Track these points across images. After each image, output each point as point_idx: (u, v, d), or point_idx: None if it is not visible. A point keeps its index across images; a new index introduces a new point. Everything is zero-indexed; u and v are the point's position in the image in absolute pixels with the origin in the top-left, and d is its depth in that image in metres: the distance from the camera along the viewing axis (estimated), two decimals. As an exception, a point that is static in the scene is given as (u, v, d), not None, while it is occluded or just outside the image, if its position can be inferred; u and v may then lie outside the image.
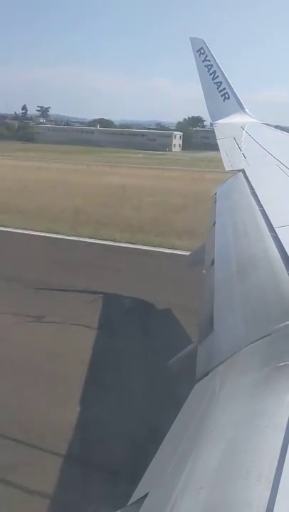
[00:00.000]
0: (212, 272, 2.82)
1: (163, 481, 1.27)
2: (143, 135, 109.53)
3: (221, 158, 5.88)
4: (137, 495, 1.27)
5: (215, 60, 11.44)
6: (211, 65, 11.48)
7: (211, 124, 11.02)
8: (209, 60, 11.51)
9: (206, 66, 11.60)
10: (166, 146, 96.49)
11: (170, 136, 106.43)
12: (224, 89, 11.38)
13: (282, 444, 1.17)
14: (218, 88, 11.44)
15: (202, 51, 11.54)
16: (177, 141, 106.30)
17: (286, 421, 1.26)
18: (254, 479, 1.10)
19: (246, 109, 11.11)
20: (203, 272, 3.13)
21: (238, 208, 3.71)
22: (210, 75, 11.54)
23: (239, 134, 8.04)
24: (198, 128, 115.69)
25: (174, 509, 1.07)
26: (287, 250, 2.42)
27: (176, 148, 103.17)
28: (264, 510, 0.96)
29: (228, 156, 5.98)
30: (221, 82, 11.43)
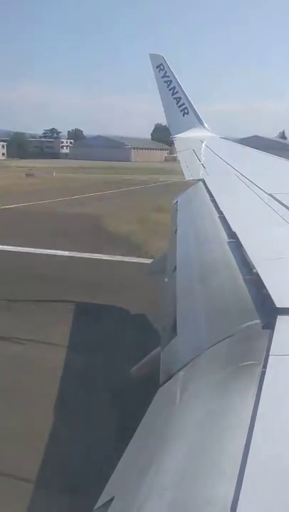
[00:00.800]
0: (174, 278, 2.83)
1: (128, 485, 1.23)
2: None
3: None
4: (102, 499, 1.23)
5: (174, 76, 11.72)
6: (171, 81, 11.75)
7: (171, 138, 11.24)
8: (168, 76, 11.78)
9: (165, 82, 11.86)
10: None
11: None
12: (183, 104, 11.66)
13: (245, 442, 1.16)
14: (177, 103, 11.71)
15: (161, 67, 11.80)
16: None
17: (249, 419, 1.26)
18: (217, 478, 1.10)
19: (205, 124, 11.43)
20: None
21: (199, 216, 3.77)
22: (169, 90, 11.81)
23: (198, 146, 8.25)
24: (47, 139, 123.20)
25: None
26: (246, 254, 2.46)
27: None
28: (228, 508, 0.95)
29: (188, 167, 6.12)
30: (180, 98, 11.72)
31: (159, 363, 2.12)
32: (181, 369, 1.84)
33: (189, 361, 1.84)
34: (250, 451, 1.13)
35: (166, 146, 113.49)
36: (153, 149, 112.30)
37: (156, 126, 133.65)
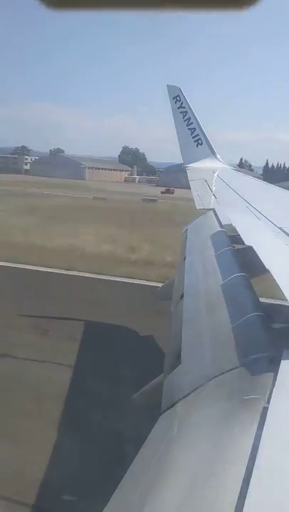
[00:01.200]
0: (181, 306, 2.83)
1: None
2: None
3: None
4: None
5: (190, 107, 12.00)
6: (186, 112, 12.02)
7: (184, 167, 11.41)
8: (184, 107, 12.06)
9: (181, 113, 12.13)
10: None
11: None
12: (197, 135, 11.88)
13: (244, 477, 1.14)
14: (191, 134, 11.93)
15: (178, 98, 12.10)
16: None
17: (249, 454, 1.24)
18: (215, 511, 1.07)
19: (218, 155, 11.61)
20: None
21: (209, 245, 3.79)
22: (184, 121, 12.06)
23: (210, 177, 8.36)
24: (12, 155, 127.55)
25: None
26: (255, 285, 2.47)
27: None
28: None
29: (200, 196, 6.18)
30: (194, 129, 11.95)
31: (162, 390, 2.09)
32: (183, 398, 1.82)
33: (192, 391, 1.82)
34: (249, 486, 1.11)
35: (129, 168, 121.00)
36: (114, 170, 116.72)
37: (123, 148, 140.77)
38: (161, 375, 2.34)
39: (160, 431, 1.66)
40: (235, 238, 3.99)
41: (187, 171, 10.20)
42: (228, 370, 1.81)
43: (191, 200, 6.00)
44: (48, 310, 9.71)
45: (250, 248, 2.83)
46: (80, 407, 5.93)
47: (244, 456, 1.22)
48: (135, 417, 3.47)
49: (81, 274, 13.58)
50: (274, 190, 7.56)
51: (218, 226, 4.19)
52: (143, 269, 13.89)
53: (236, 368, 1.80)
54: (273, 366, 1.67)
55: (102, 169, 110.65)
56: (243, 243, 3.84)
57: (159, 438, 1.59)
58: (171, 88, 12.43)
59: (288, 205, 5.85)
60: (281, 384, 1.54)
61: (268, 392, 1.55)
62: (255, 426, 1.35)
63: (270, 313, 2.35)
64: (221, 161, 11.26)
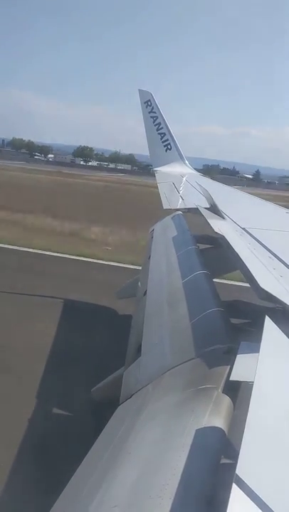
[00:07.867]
0: (144, 302, 2.84)
1: (79, 501, 1.19)
2: None
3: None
4: None
5: (160, 112, 12.11)
6: (157, 117, 12.12)
7: (153, 170, 11.49)
8: (155, 112, 12.15)
9: (151, 117, 12.21)
10: None
11: None
12: (167, 140, 12.00)
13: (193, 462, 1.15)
14: (161, 139, 12.04)
15: (149, 103, 12.18)
16: None
17: (204, 441, 1.25)
18: (167, 498, 1.07)
19: (186, 161, 11.76)
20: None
21: (174, 244, 3.82)
22: (155, 125, 12.15)
23: (178, 180, 8.48)
24: None
25: None
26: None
27: None
28: None
29: (167, 197, 6.25)
30: (164, 134, 12.07)
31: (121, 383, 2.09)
32: (141, 389, 1.82)
33: (150, 381, 1.83)
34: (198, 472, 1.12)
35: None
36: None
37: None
38: (122, 368, 2.33)
39: (117, 421, 1.65)
40: (200, 237, 4.05)
41: (156, 174, 10.29)
42: (186, 361, 1.83)
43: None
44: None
45: (213, 248, 2.88)
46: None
47: (197, 443, 1.23)
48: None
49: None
50: (238, 194, 7.75)
51: (184, 226, 4.23)
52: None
53: (193, 359, 1.82)
54: (230, 357, 1.70)
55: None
56: (209, 243, 3.91)
57: (115, 428, 1.58)
58: (142, 93, 12.50)
59: (249, 207, 6.05)
60: (236, 374, 1.57)
61: (223, 381, 1.57)
62: (209, 414, 1.37)
63: (229, 309, 2.39)
64: (188, 166, 11.42)
